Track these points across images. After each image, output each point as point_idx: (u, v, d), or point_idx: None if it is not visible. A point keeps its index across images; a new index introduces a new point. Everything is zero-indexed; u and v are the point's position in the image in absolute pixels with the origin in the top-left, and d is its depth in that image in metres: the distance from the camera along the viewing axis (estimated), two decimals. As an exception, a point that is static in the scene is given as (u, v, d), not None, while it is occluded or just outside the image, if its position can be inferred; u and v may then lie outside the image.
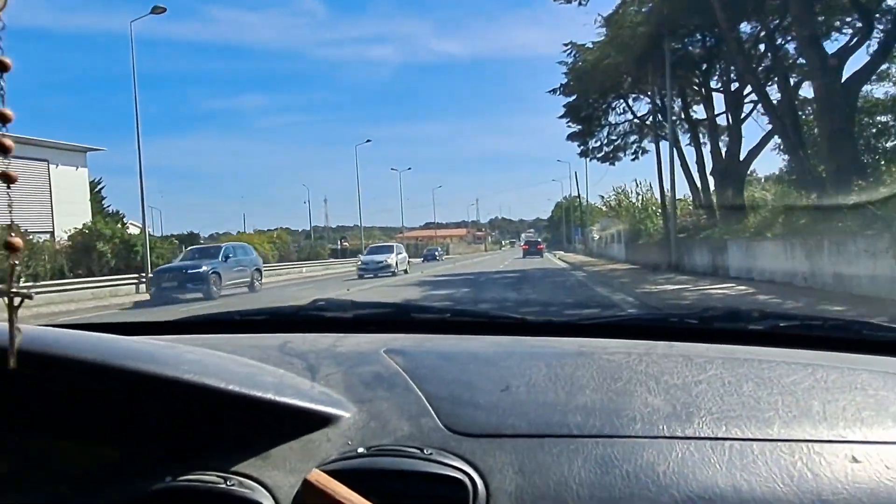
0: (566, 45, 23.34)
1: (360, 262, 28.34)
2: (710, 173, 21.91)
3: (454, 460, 0.64)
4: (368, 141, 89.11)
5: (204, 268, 18.18)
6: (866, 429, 0.67)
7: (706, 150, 22.80)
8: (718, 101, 21.80)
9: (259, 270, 21.58)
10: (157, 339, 0.92)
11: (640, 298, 11.98)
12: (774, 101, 15.36)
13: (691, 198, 24.32)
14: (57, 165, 26.23)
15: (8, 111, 0.48)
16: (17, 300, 0.53)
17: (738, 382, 0.76)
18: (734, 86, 20.19)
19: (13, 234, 0.50)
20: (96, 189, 34.10)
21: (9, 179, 0.49)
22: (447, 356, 0.93)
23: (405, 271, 28.47)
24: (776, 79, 16.07)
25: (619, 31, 19.52)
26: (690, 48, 21.18)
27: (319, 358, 0.87)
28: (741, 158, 19.93)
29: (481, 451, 0.65)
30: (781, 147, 20.77)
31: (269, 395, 0.68)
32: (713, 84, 22.00)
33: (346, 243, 50.31)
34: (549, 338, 1.05)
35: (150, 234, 34.88)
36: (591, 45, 22.56)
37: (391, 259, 27.14)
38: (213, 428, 0.69)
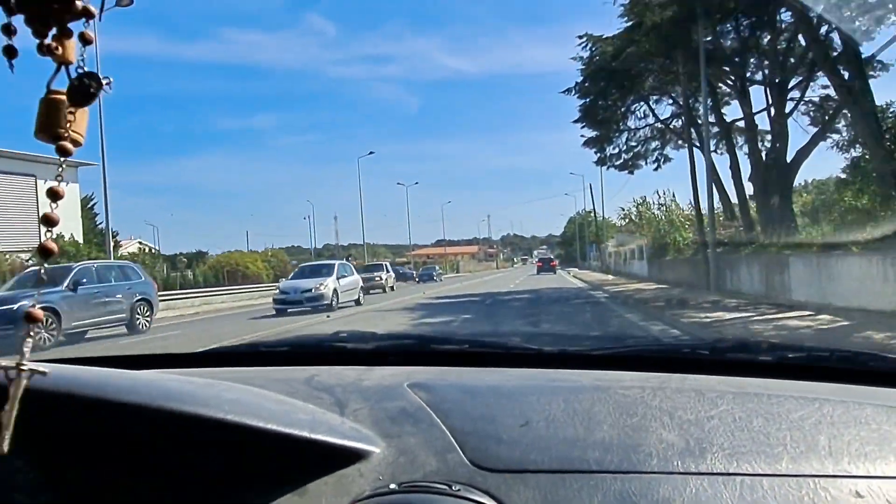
0: (581, 36, 20.76)
1: (277, 291, 18.72)
2: (749, 179, 19.21)
3: (481, 496, 0.66)
4: (371, 153, 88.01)
5: (23, 302, 11.01)
6: (869, 464, 0.68)
7: (741, 154, 20.16)
8: (755, 98, 19.15)
9: (147, 301, 14.78)
10: (193, 375, 0.93)
11: (689, 331, 9.19)
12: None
13: (721, 208, 21.64)
14: (45, 181, 24.13)
15: (61, 189, 0.51)
16: (25, 376, 0.52)
17: (748, 418, 0.78)
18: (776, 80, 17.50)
19: (35, 305, 0.51)
20: (88, 205, 31.72)
21: (55, 196, 0.52)
22: (468, 390, 0.95)
23: (357, 301, 19.57)
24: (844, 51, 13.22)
25: (643, 12, 16.88)
26: (721, 40, 18.60)
27: (346, 392, 0.90)
28: (788, 160, 17.16)
29: (506, 487, 0.67)
30: (839, 144, 18.07)
31: (305, 433, 0.71)
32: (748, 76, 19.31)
33: (353, 261, 48.24)
34: (565, 370, 1.07)
35: (153, 252, 32.93)
36: (609, 37, 20.01)
37: (325, 286, 17.75)
38: (252, 464, 0.72)
